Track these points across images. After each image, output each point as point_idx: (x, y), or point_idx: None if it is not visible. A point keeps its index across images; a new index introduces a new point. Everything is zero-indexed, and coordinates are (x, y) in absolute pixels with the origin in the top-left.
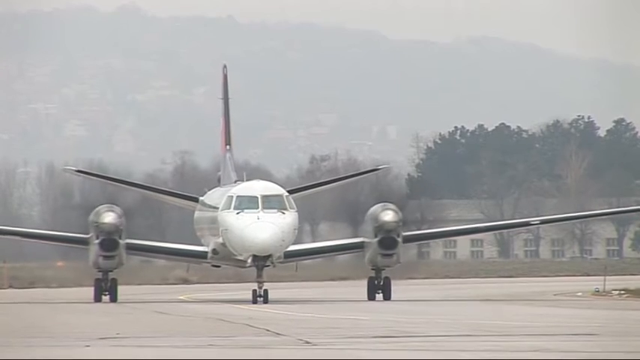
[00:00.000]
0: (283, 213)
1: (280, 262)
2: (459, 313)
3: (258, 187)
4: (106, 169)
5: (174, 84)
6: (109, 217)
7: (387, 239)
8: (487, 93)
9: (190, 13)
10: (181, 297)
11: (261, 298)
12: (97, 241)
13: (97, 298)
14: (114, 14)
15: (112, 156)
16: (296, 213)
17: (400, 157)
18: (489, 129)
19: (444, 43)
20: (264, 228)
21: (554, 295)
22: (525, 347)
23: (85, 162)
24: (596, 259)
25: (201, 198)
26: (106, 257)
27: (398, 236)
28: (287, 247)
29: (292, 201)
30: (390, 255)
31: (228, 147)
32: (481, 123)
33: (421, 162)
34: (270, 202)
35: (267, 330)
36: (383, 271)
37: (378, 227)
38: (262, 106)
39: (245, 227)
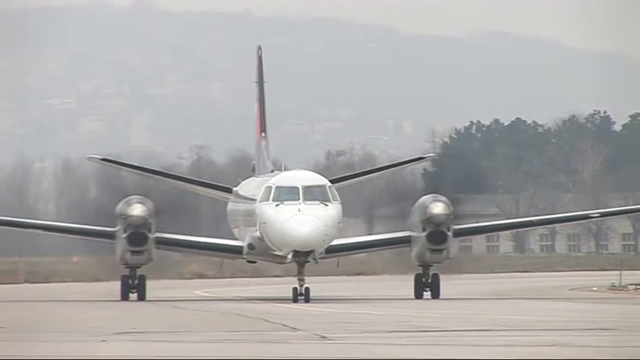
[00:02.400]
0: (326, 205)
1: (322, 258)
2: (474, 308)
3: (299, 177)
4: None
5: (189, 78)
6: (137, 210)
7: (437, 233)
8: (502, 88)
9: (206, 7)
10: (199, 292)
11: (302, 297)
12: (124, 235)
13: (124, 297)
14: (129, 9)
15: (128, 151)
16: (340, 205)
17: (416, 152)
18: (505, 124)
19: (460, 37)
20: (305, 221)
21: (570, 289)
22: (541, 342)
23: (102, 156)
24: (612, 253)
25: (234, 189)
26: (134, 252)
27: (448, 230)
28: (330, 241)
29: (336, 192)
30: (440, 250)
31: (263, 134)
32: (497, 118)
33: (437, 157)
34: (313, 194)
35: (284, 325)
36: (431, 267)
37: (426, 220)
38: (278, 100)
39: (285, 221)
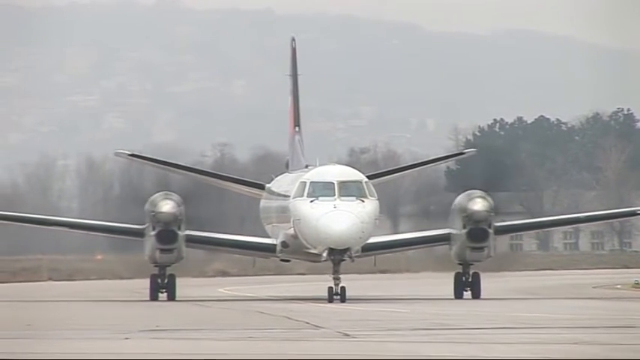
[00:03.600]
0: (363, 201)
1: (358, 257)
2: (498, 306)
3: (334, 172)
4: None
5: (212, 76)
6: (166, 206)
7: (477, 230)
8: (526, 85)
9: (228, 5)
10: (222, 290)
11: (338, 297)
12: (153, 233)
13: (154, 296)
14: (152, 7)
15: (151, 148)
16: (377, 201)
17: (439, 150)
18: (529, 121)
19: (483, 35)
20: (341, 218)
21: (594, 287)
22: (565, 339)
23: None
24: (635, 251)
25: (267, 185)
26: (163, 250)
27: (489, 227)
28: (367, 239)
29: (372, 187)
30: (481, 248)
31: (297, 128)
32: (520, 115)
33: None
34: (348, 189)
35: (307, 322)
36: (471, 266)
37: (466, 217)
38: (300, 98)
39: (320, 217)
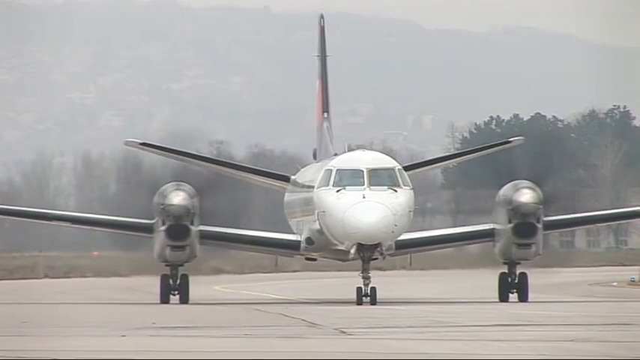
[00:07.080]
0: (395, 191)
1: (391, 254)
2: (494, 303)
3: (363, 159)
4: (141, 159)
5: (209, 73)
6: (177, 198)
7: (524, 225)
8: (523, 83)
9: (226, 2)
10: (219, 288)
11: (368, 298)
12: (163, 228)
13: (164, 299)
14: (149, 4)
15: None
16: (411, 191)
17: (435, 147)
18: (525, 119)
19: (480, 32)
20: (371, 210)
21: (590, 285)
22: (561, 337)
23: (122, 151)
24: (631, 249)
25: (292, 177)
26: (174, 248)
27: (538, 222)
28: (400, 233)
29: (406, 176)
30: (528, 245)
31: (325, 115)
32: (516, 112)
33: (456, 152)
34: (379, 178)
35: (303, 320)
36: (518, 265)
37: (512, 210)
38: (297, 95)
39: (347, 209)
